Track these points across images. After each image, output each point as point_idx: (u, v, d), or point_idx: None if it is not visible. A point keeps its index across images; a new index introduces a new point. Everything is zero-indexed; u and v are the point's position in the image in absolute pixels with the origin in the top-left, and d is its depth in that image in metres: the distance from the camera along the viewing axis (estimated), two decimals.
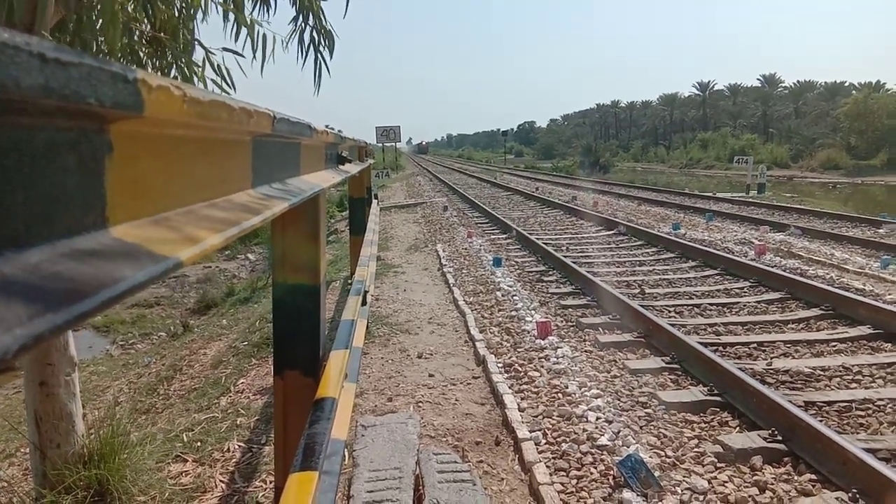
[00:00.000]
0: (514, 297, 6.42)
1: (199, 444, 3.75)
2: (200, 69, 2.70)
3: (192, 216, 0.56)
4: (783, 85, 79.04)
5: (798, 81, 75.79)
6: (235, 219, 0.64)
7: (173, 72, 2.68)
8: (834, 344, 4.80)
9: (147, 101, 0.43)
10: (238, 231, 0.62)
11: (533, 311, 5.87)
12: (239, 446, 3.65)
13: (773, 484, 2.94)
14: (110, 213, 0.43)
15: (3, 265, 0.31)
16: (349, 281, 6.55)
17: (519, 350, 4.82)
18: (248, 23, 2.85)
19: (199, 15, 2.91)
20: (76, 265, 0.36)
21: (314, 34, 3.22)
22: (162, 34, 2.71)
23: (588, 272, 7.07)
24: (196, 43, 2.76)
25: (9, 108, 0.31)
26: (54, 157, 0.37)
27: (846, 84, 68.04)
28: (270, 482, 3.16)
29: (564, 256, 8.18)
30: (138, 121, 0.44)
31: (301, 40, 3.19)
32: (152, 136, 0.50)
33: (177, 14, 2.78)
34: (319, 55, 3.27)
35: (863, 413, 3.62)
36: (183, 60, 2.63)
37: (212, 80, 2.79)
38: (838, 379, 4.11)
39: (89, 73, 0.35)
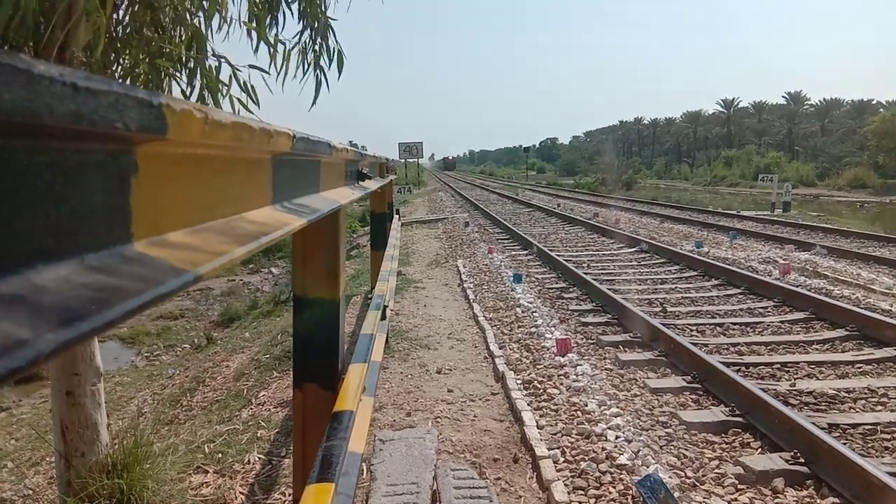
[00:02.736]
0: (534, 314, 6.40)
1: (220, 455, 3.78)
2: (227, 87, 2.77)
3: (213, 232, 0.59)
4: (809, 102, 78.26)
5: (824, 99, 75.03)
6: (254, 234, 0.67)
7: (196, 91, 2.75)
8: (859, 365, 4.72)
9: (171, 125, 0.46)
10: (256, 246, 0.65)
11: (553, 328, 5.85)
12: (259, 458, 3.68)
13: None
14: (135, 228, 0.46)
15: (35, 277, 0.34)
16: (369, 295, 6.59)
17: (538, 367, 4.81)
18: (272, 41, 2.91)
19: (222, 31, 2.99)
20: (103, 277, 0.39)
21: (316, 50, 3.28)
22: (187, 52, 2.78)
23: (609, 289, 7.03)
24: (223, 60, 2.83)
25: (43, 132, 0.34)
26: (83, 176, 0.40)
27: (873, 102, 67.21)
28: (289, 494, 3.18)
29: (585, 273, 8.15)
30: (162, 143, 0.47)
31: (304, 56, 3.25)
32: (176, 157, 0.53)
33: (202, 28, 2.85)
34: (321, 71, 3.33)
35: (888, 436, 3.55)
36: (206, 79, 2.69)
37: (237, 98, 2.85)
38: (863, 401, 4.04)
39: (117, 99, 0.38)
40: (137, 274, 0.42)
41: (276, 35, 2.99)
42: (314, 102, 3.30)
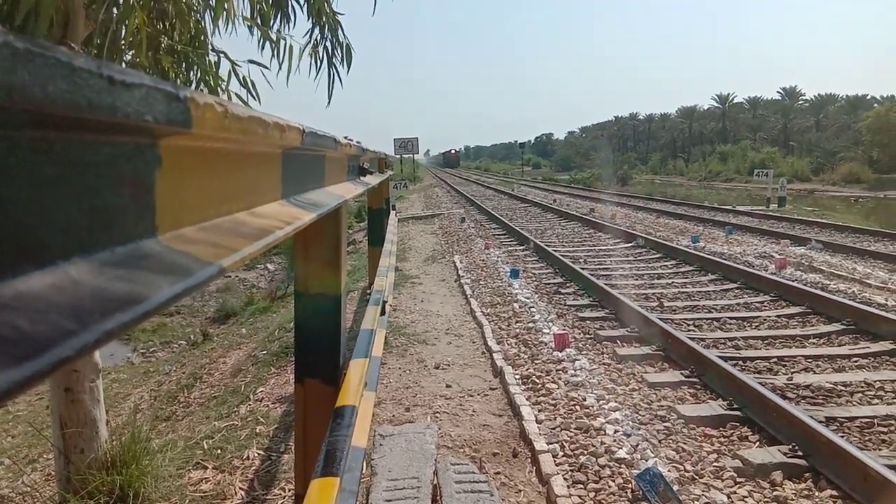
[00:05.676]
0: (532, 309, 6.41)
1: (219, 451, 3.78)
2: (225, 83, 2.76)
3: (231, 225, 0.59)
4: (804, 98, 78.44)
5: (819, 94, 75.20)
6: (269, 228, 0.67)
7: (200, 86, 2.75)
8: (856, 359, 4.74)
9: (195, 118, 0.46)
10: (273, 240, 0.65)
11: (550, 323, 5.86)
12: (258, 454, 3.68)
13: (793, 499, 2.91)
14: (159, 221, 0.47)
15: (72, 269, 0.34)
16: (368, 291, 6.59)
17: (536, 362, 4.82)
18: (273, 37, 2.91)
19: (225, 27, 2.97)
20: (134, 270, 0.39)
21: (328, 46, 3.27)
22: (186, 46, 2.76)
23: (606, 284, 7.04)
24: (222, 55, 2.82)
25: (79, 125, 0.34)
26: (113, 169, 0.40)
27: (868, 97, 67.39)
28: (289, 490, 3.18)
29: (582, 268, 8.16)
30: (186, 136, 0.47)
31: (315, 53, 3.24)
32: (196, 150, 0.53)
33: (202, 24, 2.84)
34: (333, 68, 3.32)
35: (885, 429, 3.57)
36: (209, 74, 2.68)
37: (236, 93, 2.84)
38: (860, 394, 4.07)
39: (147, 93, 0.39)
40: (165, 266, 0.42)
41: (279, 31, 2.99)
42: (329, 99, 3.29)
